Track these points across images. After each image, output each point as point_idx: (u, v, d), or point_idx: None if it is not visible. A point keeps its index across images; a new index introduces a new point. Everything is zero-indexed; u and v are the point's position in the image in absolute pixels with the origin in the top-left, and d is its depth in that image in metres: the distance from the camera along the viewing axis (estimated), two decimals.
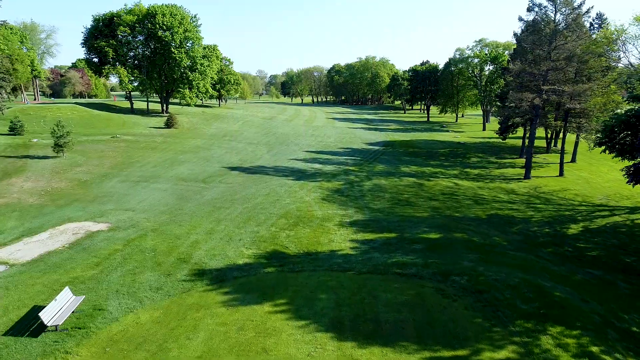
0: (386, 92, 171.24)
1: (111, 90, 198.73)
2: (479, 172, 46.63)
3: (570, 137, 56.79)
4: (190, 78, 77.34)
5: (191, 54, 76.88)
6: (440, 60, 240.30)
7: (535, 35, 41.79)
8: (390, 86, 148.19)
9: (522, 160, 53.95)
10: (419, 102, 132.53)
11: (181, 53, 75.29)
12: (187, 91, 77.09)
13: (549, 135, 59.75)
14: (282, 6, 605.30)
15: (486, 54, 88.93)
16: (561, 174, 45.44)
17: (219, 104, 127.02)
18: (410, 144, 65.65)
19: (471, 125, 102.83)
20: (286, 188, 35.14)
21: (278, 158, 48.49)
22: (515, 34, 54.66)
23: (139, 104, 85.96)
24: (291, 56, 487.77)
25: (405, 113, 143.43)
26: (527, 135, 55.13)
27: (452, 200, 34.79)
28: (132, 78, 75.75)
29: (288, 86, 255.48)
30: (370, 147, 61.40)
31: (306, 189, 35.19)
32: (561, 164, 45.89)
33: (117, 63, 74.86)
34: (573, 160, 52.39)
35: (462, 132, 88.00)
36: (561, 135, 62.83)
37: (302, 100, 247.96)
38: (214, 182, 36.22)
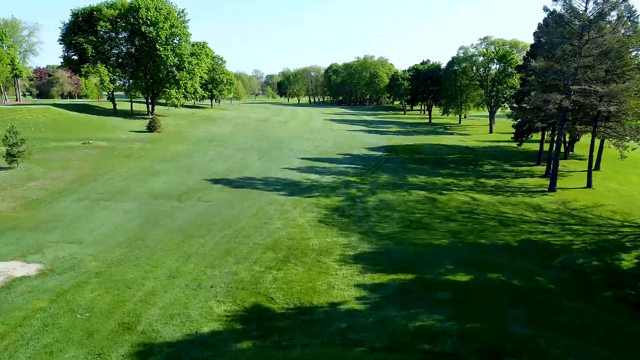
0: (385, 92, 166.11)
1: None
2: (495, 183, 41.31)
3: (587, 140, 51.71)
4: (177, 77, 71.67)
5: (178, 51, 71.24)
6: (440, 59, 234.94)
7: (562, 27, 36.49)
8: (390, 86, 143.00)
9: (540, 168, 48.77)
10: (420, 103, 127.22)
11: (167, 50, 69.66)
12: (173, 91, 71.39)
13: (566, 140, 54.64)
14: (279, 4, 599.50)
15: (493, 52, 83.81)
16: (589, 185, 40.17)
17: (212, 105, 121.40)
18: (415, 149, 60.29)
19: (476, 127, 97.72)
20: (277, 206, 29.67)
21: (270, 167, 43.00)
22: (540, 26, 49.27)
23: (125, 105, 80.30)
24: (288, 56, 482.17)
25: (405, 114, 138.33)
26: (546, 139, 50.05)
27: (473, 220, 29.43)
28: (114, 77, 69.93)
29: (284, 86, 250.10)
30: (372, 152, 56.02)
31: (300, 207, 29.74)
32: (589, 174, 40.60)
33: (98, 61, 69.10)
34: (597, 167, 47.11)
35: (467, 135, 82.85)
36: (581, 140, 58.20)
37: (298, 100, 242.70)
38: (191, 199, 30.67)
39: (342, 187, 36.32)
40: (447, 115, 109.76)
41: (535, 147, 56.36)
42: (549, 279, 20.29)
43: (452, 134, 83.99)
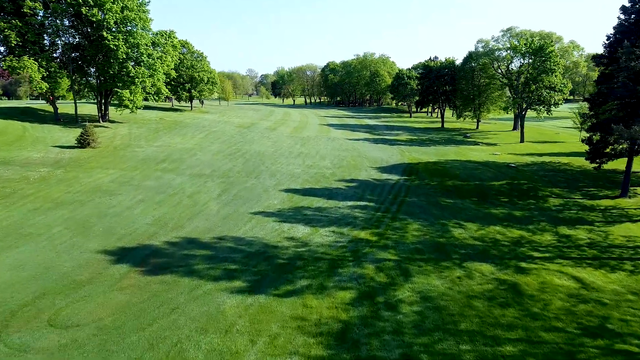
0: (388, 92, 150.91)
1: None
2: (589, 238, 26.04)
3: None
4: (132, 74, 56.07)
5: (132, 40, 55.64)
6: (450, 56, 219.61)
7: None
8: (393, 86, 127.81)
9: (630, 202, 33.66)
10: (431, 105, 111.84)
11: (118, 39, 54.11)
12: (126, 92, 55.66)
13: None
14: (275, 2, 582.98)
15: (525, 45, 68.64)
16: None
17: (191, 107, 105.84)
18: (441, 169, 44.94)
19: (499, 134, 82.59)
20: (213, 337, 14.28)
21: (233, 211, 27.56)
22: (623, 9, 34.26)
23: (83, 108, 64.47)
24: (284, 54, 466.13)
25: (411, 117, 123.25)
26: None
27: (615, 355, 14.14)
28: (47, 74, 54.13)
29: (279, 86, 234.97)
30: (385, 176, 40.68)
31: (266, 336, 14.38)
32: None
33: (26, 53, 53.43)
34: None
35: (495, 145, 67.73)
36: None
37: (294, 101, 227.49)
38: (27, 326, 14.94)
39: (348, 260, 20.90)
40: (463, 119, 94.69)
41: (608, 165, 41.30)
42: None
43: (475, 143, 68.84)
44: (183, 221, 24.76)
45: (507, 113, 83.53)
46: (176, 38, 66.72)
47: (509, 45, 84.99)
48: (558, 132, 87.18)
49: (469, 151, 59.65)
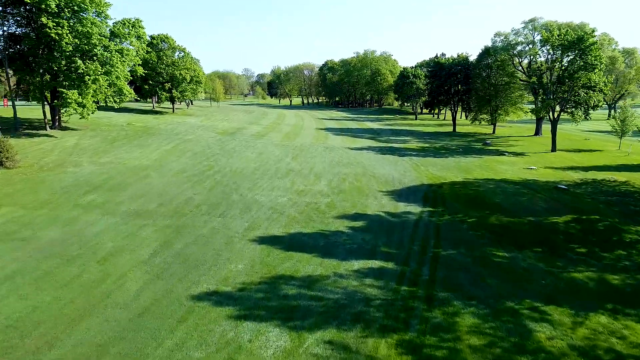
0: (392, 92, 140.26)
1: None
2: None
3: None
4: (80, 70, 45.06)
5: (82, 29, 44.64)
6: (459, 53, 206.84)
7: None
8: (398, 85, 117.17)
9: None
10: (443, 107, 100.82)
11: (61, 27, 43.19)
12: (72, 93, 44.57)
13: None
14: (271, 1, 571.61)
15: (559, 37, 57.69)
16: None
17: (173, 110, 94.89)
18: (473, 193, 33.99)
19: (521, 140, 71.89)
20: None
21: (160, 296, 16.19)
22: None
23: (36, 113, 53.63)
24: (283, 53, 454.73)
25: (416, 119, 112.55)
26: None
27: None
28: None
29: (275, 86, 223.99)
30: (402, 207, 29.76)
31: None
32: None
33: None
34: None
35: (522, 154, 57.06)
36: None
37: (290, 101, 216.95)
38: None
39: None
40: (479, 123, 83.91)
41: None
42: None
43: (499, 152, 58.06)
44: (59, 330, 13.75)
45: (530, 115, 72.73)
46: (142, 28, 55.52)
47: (532, 39, 74.18)
48: (587, 137, 76.43)
49: (496, 164, 48.89)
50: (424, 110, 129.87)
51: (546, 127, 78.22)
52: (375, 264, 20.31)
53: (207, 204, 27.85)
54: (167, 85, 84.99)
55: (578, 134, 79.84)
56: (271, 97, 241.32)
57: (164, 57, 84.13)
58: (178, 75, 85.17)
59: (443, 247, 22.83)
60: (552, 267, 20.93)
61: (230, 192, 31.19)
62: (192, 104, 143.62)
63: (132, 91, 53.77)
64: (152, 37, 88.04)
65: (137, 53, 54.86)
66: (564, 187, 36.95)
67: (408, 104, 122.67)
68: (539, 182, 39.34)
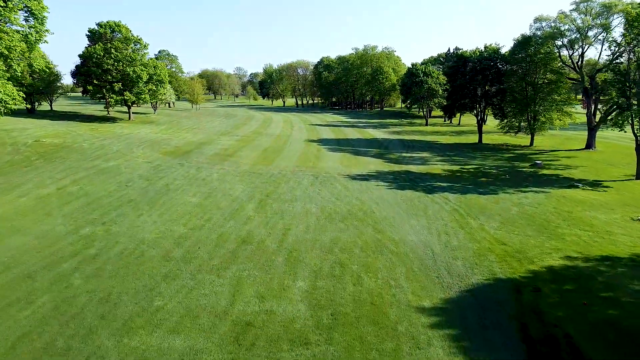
0: (398, 92, 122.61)
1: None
2: None
3: None
4: None
5: None
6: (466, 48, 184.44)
7: None
8: (405, 85, 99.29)
9: None
10: (467, 112, 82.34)
11: None
12: None
13: None
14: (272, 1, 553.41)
15: None
16: None
17: (129, 116, 76.77)
18: (617, 315, 16.17)
19: (572, 157, 53.72)
20: None
21: None
22: None
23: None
24: (276, 52, 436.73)
25: (427, 125, 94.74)
26: None
27: None
28: None
29: (267, 85, 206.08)
30: None
31: None
32: None
33: None
34: None
35: (600, 183, 38.77)
36: None
37: (283, 102, 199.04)
38: None
39: None
40: (514, 134, 66.10)
41: None
42: None
43: (569, 182, 39.39)
44: None
45: (579, 120, 55.01)
46: (41, 2, 37.27)
47: (597, 22, 56.37)
48: None
49: (582, 209, 30.60)
50: (433, 113, 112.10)
51: (599, 141, 60.62)
52: None
53: None
54: (117, 86, 66.91)
55: (625, 143, 61.81)
56: (263, 98, 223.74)
57: (113, 51, 66.12)
58: (131, 73, 67.16)
59: None
60: None
61: (79, 335, 13.18)
62: (174, 104, 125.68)
63: (17, 94, 35.50)
64: (99, 25, 70.20)
65: (32, 39, 36.46)
66: None
67: (416, 107, 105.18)
68: None
